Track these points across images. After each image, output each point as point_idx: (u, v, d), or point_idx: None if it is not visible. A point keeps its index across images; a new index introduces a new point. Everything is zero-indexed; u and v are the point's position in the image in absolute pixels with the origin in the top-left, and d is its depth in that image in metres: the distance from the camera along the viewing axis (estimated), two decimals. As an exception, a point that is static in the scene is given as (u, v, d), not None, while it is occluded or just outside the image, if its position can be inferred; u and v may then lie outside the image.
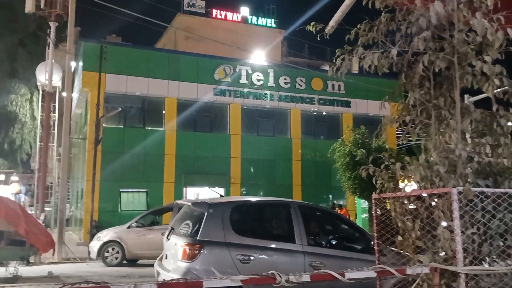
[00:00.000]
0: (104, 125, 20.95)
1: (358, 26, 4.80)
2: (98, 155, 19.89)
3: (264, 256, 6.26)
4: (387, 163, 4.66)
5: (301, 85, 26.63)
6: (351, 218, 23.76)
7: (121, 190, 22.64)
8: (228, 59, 25.66)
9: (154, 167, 23.24)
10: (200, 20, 33.70)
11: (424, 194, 4.23)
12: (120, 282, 3.19)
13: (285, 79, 26.33)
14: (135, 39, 71.10)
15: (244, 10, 36.56)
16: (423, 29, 4.40)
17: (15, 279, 11.21)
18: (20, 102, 34.65)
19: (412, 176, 4.47)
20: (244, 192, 24.91)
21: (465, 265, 3.89)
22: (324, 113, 27.64)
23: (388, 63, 4.60)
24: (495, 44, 4.15)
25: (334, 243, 7.20)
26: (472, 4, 4.39)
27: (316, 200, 23.98)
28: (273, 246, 6.45)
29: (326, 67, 27.79)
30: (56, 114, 27.36)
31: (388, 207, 4.66)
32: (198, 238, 6.06)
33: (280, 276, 3.46)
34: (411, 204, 4.42)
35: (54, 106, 27.39)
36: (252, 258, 6.13)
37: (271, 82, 26.01)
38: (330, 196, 26.86)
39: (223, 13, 35.45)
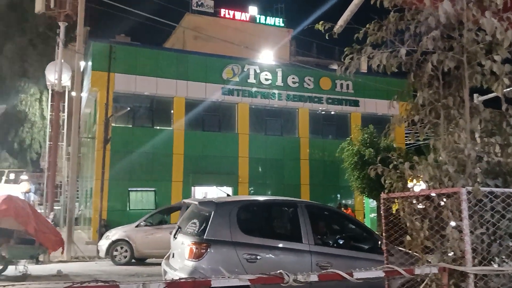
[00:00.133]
0: (113, 124, 21.02)
1: (367, 25, 4.78)
2: (107, 154, 20.01)
3: (270, 255, 6.25)
4: (395, 162, 4.63)
5: (309, 85, 26.58)
6: (359, 218, 23.70)
7: (129, 189, 22.74)
8: (237, 59, 25.66)
9: (163, 166, 23.32)
10: (208, 19, 33.71)
11: (433, 194, 4.21)
12: (129, 281, 3.20)
13: (293, 78, 26.29)
14: (144, 39, 71.37)
15: (253, 10, 36.53)
16: (432, 28, 4.37)
17: (25, 277, 11.29)
18: (30, 101, 34.95)
19: (421, 176, 4.45)
20: (252, 191, 24.90)
21: (474, 265, 3.87)
22: (332, 113, 27.56)
23: (397, 63, 4.58)
24: (504, 43, 4.12)
25: (341, 242, 7.17)
26: (482, 3, 4.36)
27: (324, 200, 23.94)
28: (280, 245, 6.44)
29: (335, 67, 27.67)
30: (66, 114, 27.61)
31: (395, 208, 4.64)
32: (205, 237, 6.06)
33: (288, 276, 3.46)
34: (420, 204, 4.39)
35: (64, 106, 27.66)
36: (258, 257, 6.12)
37: (279, 82, 25.99)
38: (338, 195, 26.75)
39: (231, 12, 35.47)
